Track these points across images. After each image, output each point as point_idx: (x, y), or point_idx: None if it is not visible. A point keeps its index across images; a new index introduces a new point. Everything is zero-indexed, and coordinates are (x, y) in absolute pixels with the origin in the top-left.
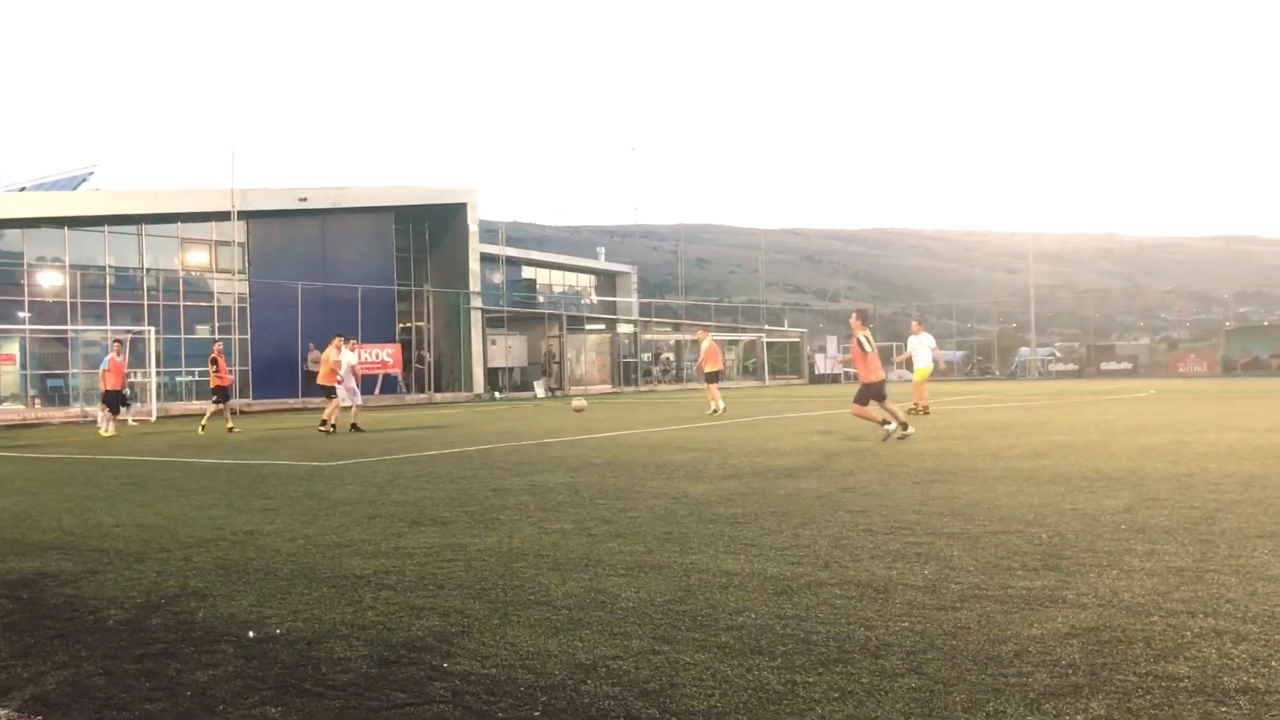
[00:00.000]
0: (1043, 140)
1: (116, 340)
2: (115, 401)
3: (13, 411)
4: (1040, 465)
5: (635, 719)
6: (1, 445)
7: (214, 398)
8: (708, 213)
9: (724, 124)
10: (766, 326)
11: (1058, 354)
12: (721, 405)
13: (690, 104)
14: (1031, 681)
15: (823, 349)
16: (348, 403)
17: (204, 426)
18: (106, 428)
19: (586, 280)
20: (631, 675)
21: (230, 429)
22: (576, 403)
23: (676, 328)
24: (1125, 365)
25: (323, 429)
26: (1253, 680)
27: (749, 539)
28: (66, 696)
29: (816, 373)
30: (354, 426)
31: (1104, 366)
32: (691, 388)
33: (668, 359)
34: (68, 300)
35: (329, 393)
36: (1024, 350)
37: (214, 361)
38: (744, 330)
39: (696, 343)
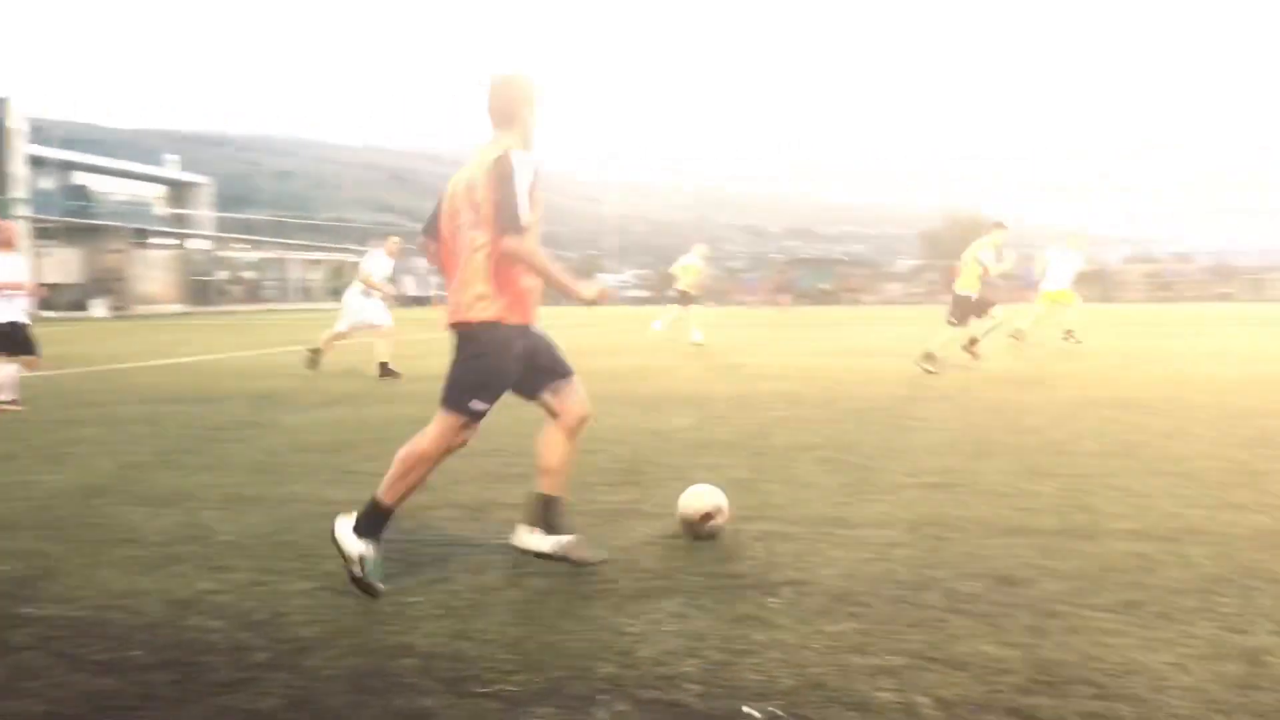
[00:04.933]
0: (608, 76)
1: None
2: None
3: None
4: (620, 388)
5: (244, 649)
6: None
7: None
8: (290, 124)
9: (305, 26)
10: (352, 246)
11: (633, 280)
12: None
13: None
14: (618, 587)
15: (411, 271)
16: None
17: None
18: None
19: (155, 190)
20: (235, 608)
21: None
22: None
23: (258, 244)
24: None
25: None
26: (795, 574)
27: (347, 466)
28: None
29: (408, 294)
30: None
31: (670, 293)
32: (272, 308)
33: (248, 277)
34: None
35: None
36: (602, 277)
37: None
38: (329, 250)
39: (280, 261)
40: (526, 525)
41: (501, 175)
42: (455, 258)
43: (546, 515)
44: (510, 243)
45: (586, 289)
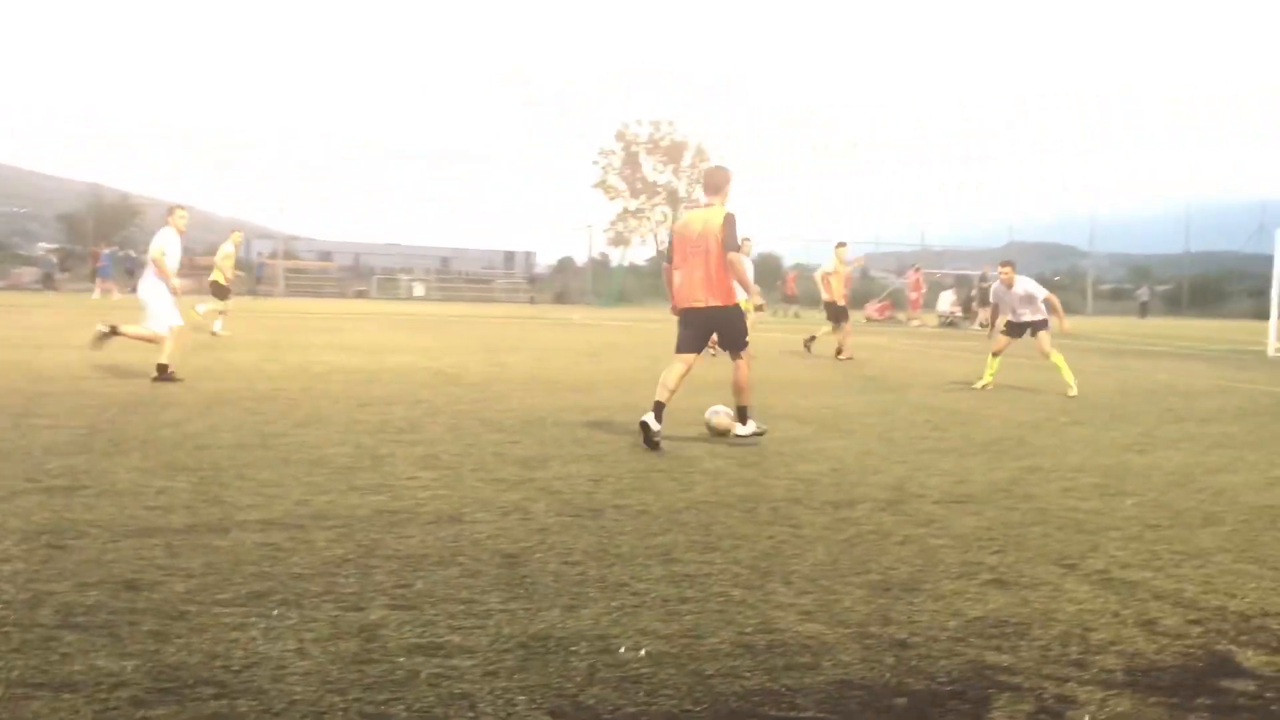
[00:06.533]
0: None
1: None
2: None
3: None
4: None
5: None
6: None
7: None
8: None
9: None
10: None
11: None
12: None
13: None
14: None
15: None
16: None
17: None
18: None
19: None
20: None
21: None
22: None
23: None
24: None
25: None
26: None
27: None
28: None
29: None
30: None
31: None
32: None
33: None
34: None
35: None
36: None
37: None
38: None
39: None
40: (738, 422)
41: (732, 225)
42: (692, 271)
43: (741, 414)
44: (731, 255)
45: (756, 296)
